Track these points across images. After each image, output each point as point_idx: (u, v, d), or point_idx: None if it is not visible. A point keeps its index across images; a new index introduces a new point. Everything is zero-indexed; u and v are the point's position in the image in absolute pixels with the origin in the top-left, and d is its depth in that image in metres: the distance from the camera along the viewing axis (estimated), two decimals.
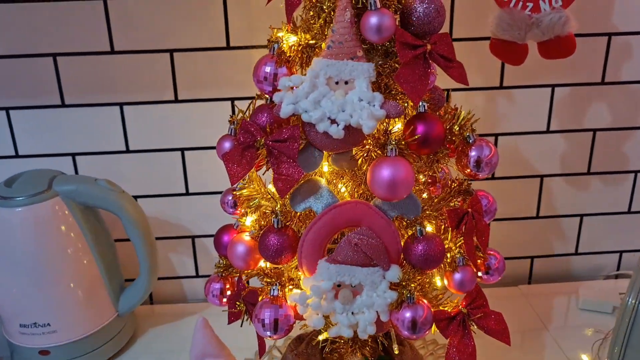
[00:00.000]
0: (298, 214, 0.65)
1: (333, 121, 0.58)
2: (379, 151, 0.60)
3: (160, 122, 0.99)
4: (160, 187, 1.03)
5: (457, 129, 0.65)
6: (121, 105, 0.97)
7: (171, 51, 0.94)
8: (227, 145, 0.68)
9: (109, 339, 0.93)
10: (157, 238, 1.04)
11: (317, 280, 0.63)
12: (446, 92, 0.96)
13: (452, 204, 0.70)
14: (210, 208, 1.03)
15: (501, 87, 1.01)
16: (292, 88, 0.59)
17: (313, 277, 0.63)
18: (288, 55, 0.62)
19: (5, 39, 0.92)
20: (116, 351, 0.95)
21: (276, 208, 0.65)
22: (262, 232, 0.66)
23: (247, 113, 0.69)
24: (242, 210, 0.74)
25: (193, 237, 1.07)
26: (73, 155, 1.00)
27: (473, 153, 0.65)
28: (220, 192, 1.02)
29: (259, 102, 0.68)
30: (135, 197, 1.02)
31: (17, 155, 0.99)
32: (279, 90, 0.60)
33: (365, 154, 0.61)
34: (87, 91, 0.96)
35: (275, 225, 0.65)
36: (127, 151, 1.00)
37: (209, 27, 0.93)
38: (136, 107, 0.97)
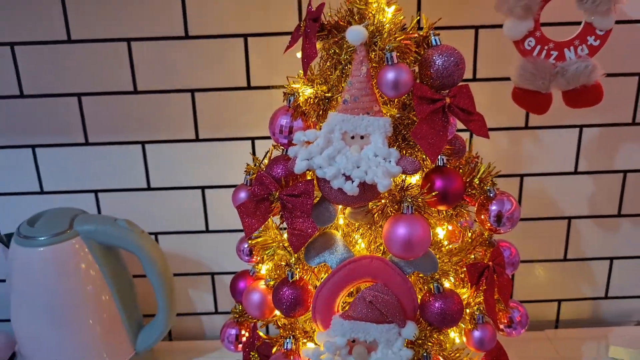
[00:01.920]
0: (313, 267, 0.64)
1: (348, 177, 0.57)
2: (394, 208, 0.59)
3: (181, 160, 0.99)
4: (181, 224, 1.03)
5: (477, 182, 0.64)
6: (143, 143, 0.98)
7: (192, 91, 0.95)
8: (242, 195, 0.67)
9: None
10: (177, 274, 1.05)
11: (331, 336, 0.61)
12: (469, 137, 0.94)
13: (471, 256, 0.68)
14: (230, 245, 1.02)
15: (526, 127, 0.99)
16: (307, 142, 0.59)
17: (327, 333, 0.62)
18: (304, 108, 0.62)
19: (32, 78, 0.93)
20: None
21: (290, 261, 0.64)
22: (275, 284, 0.65)
23: (263, 162, 0.68)
24: (258, 258, 0.73)
25: (212, 274, 1.06)
26: (96, 192, 1.00)
27: (494, 207, 0.63)
28: (239, 230, 1.03)
29: (275, 152, 0.67)
30: (156, 234, 1.03)
31: (41, 192, 1.00)
32: (294, 144, 0.59)
33: (381, 210, 0.60)
34: (110, 130, 0.97)
35: (290, 279, 0.64)
36: (149, 189, 1.00)
37: (230, 67, 0.94)
38: (158, 146, 0.98)
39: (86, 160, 0.98)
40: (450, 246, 0.69)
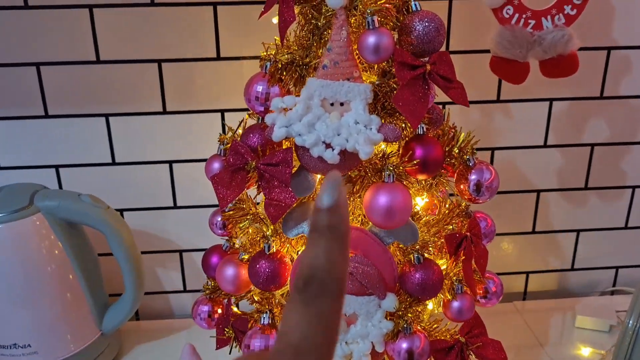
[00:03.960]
0: (291, 238, 0.63)
1: (328, 145, 0.55)
2: (375, 177, 0.58)
3: (147, 133, 0.95)
4: (148, 200, 1.00)
5: (457, 151, 0.63)
6: (107, 116, 0.94)
7: (159, 61, 0.91)
8: (216, 166, 0.65)
9: (93, 358, 0.90)
10: (144, 252, 1.01)
11: None
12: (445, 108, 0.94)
13: (449, 227, 0.67)
14: (198, 222, 1.00)
15: (498, 100, 0.99)
16: (285, 109, 0.57)
17: None
18: (281, 74, 0.59)
19: None
20: None
21: (267, 232, 0.63)
22: (252, 257, 0.63)
23: (237, 132, 0.66)
24: (232, 232, 0.71)
25: (181, 251, 1.04)
26: (57, 167, 0.96)
27: (473, 177, 0.62)
28: (209, 206, 1.00)
29: (250, 121, 0.65)
30: (122, 211, 0.99)
31: None
32: (271, 111, 0.57)
33: (361, 179, 0.59)
34: (71, 102, 0.92)
35: (266, 251, 0.62)
36: (113, 163, 0.97)
37: (199, 36, 0.90)
38: (122, 118, 0.94)
39: (46, 133, 0.94)
40: (428, 217, 0.68)
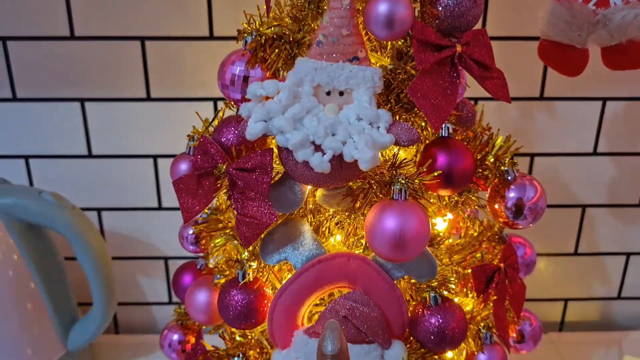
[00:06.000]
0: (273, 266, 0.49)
1: (318, 148, 0.41)
2: (382, 191, 0.44)
3: (128, 123, 0.84)
4: (129, 200, 0.88)
5: (492, 160, 0.48)
6: (82, 101, 0.83)
7: (142, 39, 0.79)
8: (183, 167, 0.52)
9: None
10: (124, 258, 0.91)
11: (291, 358, 0.46)
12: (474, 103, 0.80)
13: (477, 255, 0.53)
14: None
15: (541, 98, 0.85)
16: (265, 98, 0.43)
17: (287, 353, 0.47)
18: (265, 52, 0.46)
19: None
20: None
21: (242, 256, 0.49)
22: (222, 286, 0.49)
23: (213, 124, 0.53)
24: (205, 248, 0.58)
25: (166, 258, 0.92)
26: (26, 157, 0.85)
27: (512, 194, 0.48)
28: None
29: (230, 113, 0.52)
30: (99, 210, 0.88)
31: None
32: (248, 99, 0.43)
33: (364, 194, 0.44)
34: (42, 84, 0.81)
35: (240, 279, 0.48)
36: (90, 156, 0.86)
37: (189, 12, 0.79)
38: (100, 105, 0.83)
39: (14, 118, 0.83)
40: (451, 241, 0.54)
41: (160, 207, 0.89)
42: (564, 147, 0.88)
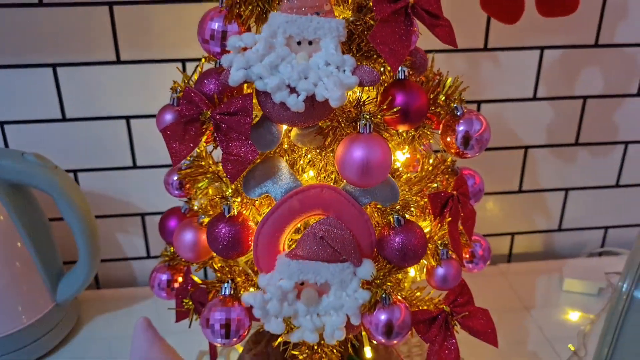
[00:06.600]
0: (254, 199, 0.55)
1: (293, 90, 0.47)
2: (349, 128, 0.50)
3: (100, 86, 0.87)
4: (104, 160, 0.92)
5: (443, 98, 0.55)
6: (54, 66, 0.85)
7: (110, 4, 0.82)
8: (168, 117, 0.57)
9: (47, 330, 0.84)
10: (103, 216, 0.94)
11: (275, 279, 0.53)
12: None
13: (433, 186, 0.60)
14: (161, 182, 0.92)
15: (485, 49, 0.92)
16: (244, 49, 0.48)
17: (271, 275, 0.53)
18: (240, 8, 0.51)
19: None
20: (57, 342, 0.86)
21: (227, 192, 0.55)
22: (210, 220, 0.55)
23: (192, 79, 0.58)
24: (190, 192, 0.63)
25: (143, 215, 0.97)
26: (1, 124, 0.87)
27: (461, 128, 0.55)
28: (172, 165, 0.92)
29: (208, 66, 0.57)
30: (75, 171, 0.92)
31: None
32: (228, 51, 0.49)
33: (333, 130, 0.51)
34: (13, 50, 0.83)
35: (226, 213, 0.54)
36: (64, 119, 0.88)
37: None
38: (72, 69, 0.85)
39: None
40: (409, 174, 0.61)
41: (135, 166, 0.93)
42: (507, 93, 0.96)
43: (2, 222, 0.77)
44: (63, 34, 0.83)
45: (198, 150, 0.61)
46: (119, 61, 0.86)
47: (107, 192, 0.94)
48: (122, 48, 0.85)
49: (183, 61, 0.86)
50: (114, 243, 0.98)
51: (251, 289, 0.57)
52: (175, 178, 0.64)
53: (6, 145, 0.89)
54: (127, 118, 0.89)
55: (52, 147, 0.88)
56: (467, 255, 0.67)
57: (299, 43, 0.49)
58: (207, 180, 0.60)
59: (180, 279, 0.68)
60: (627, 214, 1.08)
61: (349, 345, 0.62)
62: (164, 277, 0.68)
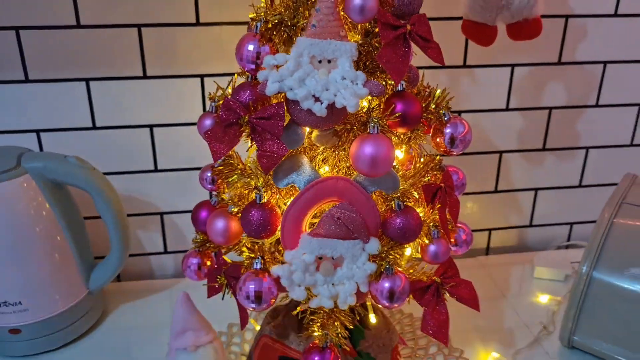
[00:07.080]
0: (279, 189, 0.67)
1: (317, 99, 0.59)
2: (361, 129, 0.62)
3: (127, 98, 0.97)
4: (128, 164, 1.02)
5: (434, 106, 0.68)
6: (87, 80, 0.95)
7: (139, 26, 0.93)
8: (207, 122, 0.68)
9: (80, 316, 0.93)
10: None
11: (299, 254, 0.65)
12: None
13: (425, 179, 0.73)
14: (179, 184, 1.04)
15: (464, 65, 1.04)
16: (276, 66, 0.60)
17: (296, 251, 0.65)
18: (271, 34, 0.63)
19: None
20: (87, 328, 0.95)
21: (258, 183, 0.67)
22: (244, 207, 0.67)
23: (227, 90, 0.69)
24: (221, 187, 0.75)
25: (161, 214, 1.07)
26: (37, 132, 0.97)
27: (448, 130, 0.67)
28: (189, 169, 1.03)
29: (240, 80, 0.68)
30: (103, 174, 1.01)
31: None
32: (263, 68, 0.61)
33: (347, 132, 0.63)
34: (52, 66, 0.93)
35: (258, 201, 0.66)
36: (94, 128, 0.98)
37: (178, 2, 0.92)
38: (103, 83, 0.96)
39: (27, 98, 0.95)
40: (405, 171, 0.73)
41: (156, 169, 1.03)
42: (483, 104, 1.07)
43: (44, 217, 0.87)
44: (96, 52, 0.93)
45: (230, 152, 0.73)
46: (145, 76, 0.96)
47: (130, 193, 1.04)
48: (148, 64, 0.96)
49: (202, 77, 0.97)
50: (134, 239, 1.07)
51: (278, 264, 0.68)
52: (209, 174, 0.75)
53: (41, 149, 0.99)
54: (151, 127, 1.00)
55: (82, 153, 0.96)
56: (453, 240, 0.79)
57: (320, 62, 0.61)
58: (236, 176, 0.71)
59: (208, 263, 0.79)
60: (589, 211, 1.21)
61: (355, 314, 0.73)
62: (195, 261, 0.78)
